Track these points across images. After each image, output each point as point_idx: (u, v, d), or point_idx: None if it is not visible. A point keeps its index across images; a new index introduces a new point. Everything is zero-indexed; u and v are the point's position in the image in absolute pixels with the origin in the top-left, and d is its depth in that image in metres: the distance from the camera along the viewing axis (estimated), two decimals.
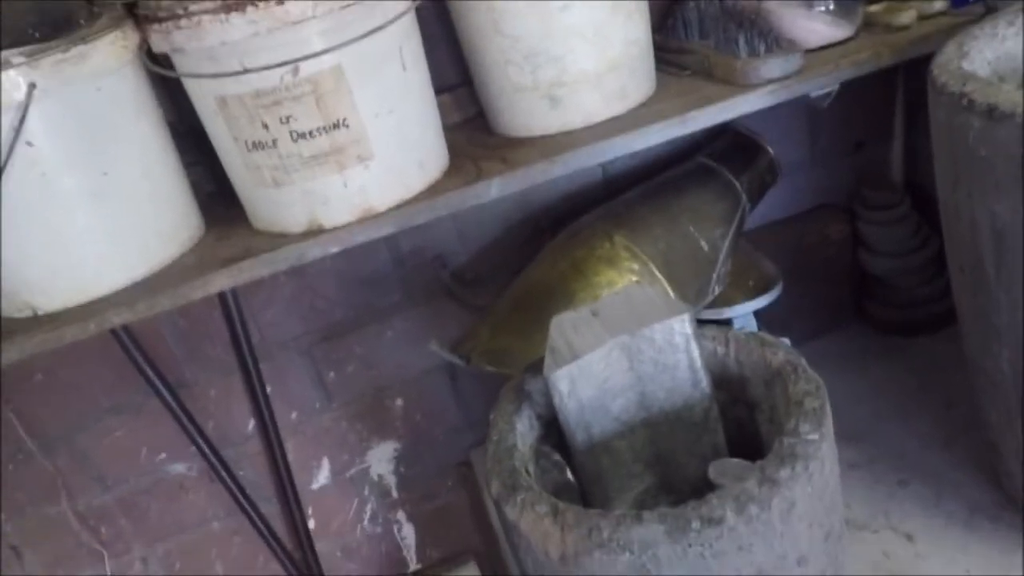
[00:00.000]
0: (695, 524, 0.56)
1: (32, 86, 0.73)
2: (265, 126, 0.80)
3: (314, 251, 0.85)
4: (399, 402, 1.27)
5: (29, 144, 0.76)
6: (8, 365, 0.78)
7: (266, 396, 1.17)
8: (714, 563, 0.57)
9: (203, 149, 0.92)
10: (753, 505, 0.56)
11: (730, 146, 1.14)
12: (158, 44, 0.79)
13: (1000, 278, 0.74)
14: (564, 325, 0.78)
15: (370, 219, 0.85)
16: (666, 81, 1.00)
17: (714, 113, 0.90)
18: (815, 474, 0.59)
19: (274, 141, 0.80)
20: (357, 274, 1.18)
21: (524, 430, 0.78)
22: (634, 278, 1.00)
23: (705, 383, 0.75)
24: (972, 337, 0.85)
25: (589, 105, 0.92)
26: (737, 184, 1.10)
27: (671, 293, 1.00)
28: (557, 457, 0.76)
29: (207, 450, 1.16)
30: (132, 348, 1.07)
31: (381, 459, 1.29)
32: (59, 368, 1.08)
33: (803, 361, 0.72)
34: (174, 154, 0.89)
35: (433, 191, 0.89)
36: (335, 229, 0.85)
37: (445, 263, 1.20)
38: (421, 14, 0.92)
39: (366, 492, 1.30)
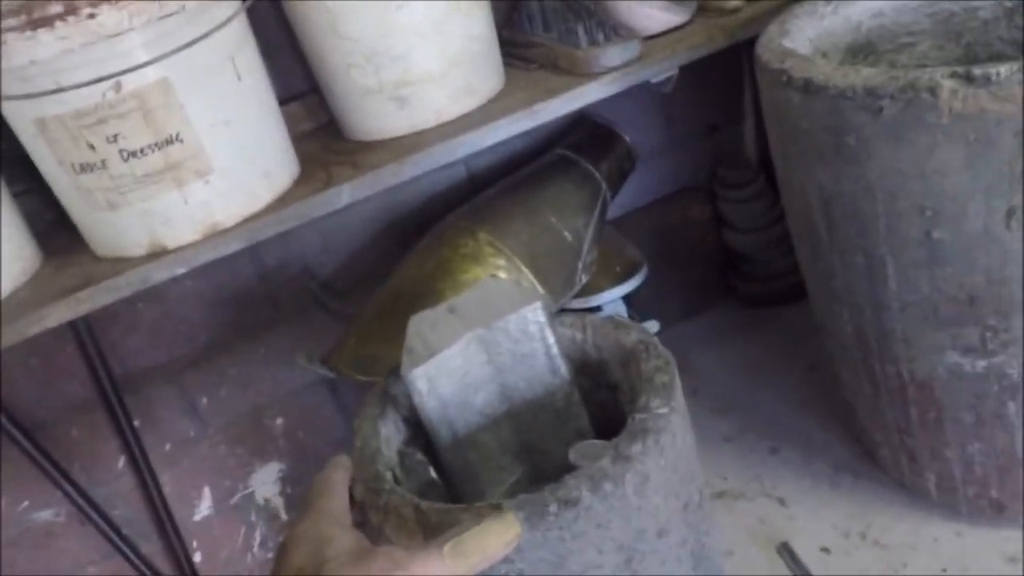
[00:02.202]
0: (552, 507, 0.56)
1: None
2: (91, 147, 0.76)
3: (159, 273, 0.81)
4: (279, 421, 1.23)
5: None
6: None
7: (133, 430, 1.12)
8: (574, 544, 0.57)
9: (36, 176, 0.87)
10: (607, 482, 0.57)
11: (587, 136, 1.16)
12: None
13: (833, 243, 0.77)
14: (421, 324, 0.77)
15: (216, 235, 0.82)
16: (515, 75, 1.00)
17: (560, 104, 0.91)
18: (667, 447, 0.61)
19: (103, 162, 0.77)
20: (221, 294, 1.14)
21: (389, 433, 0.77)
22: (501, 273, 1.00)
23: (564, 370, 0.76)
24: (817, 302, 0.89)
25: (437, 103, 0.92)
26: (596, 173, 1.12)
27: (537, 286, 1.01)
28: (420, 456, 0.75)
29: (73, 493, 1.10)
30: None
31: (266, 481, 1.26)
32: None
33: (655, 340, 0.73)
34: None
35: (282, 202, 0.86)
36: (180, 249, 0.82)
37: (313, 275, 1.18)
38: (259, 21, 0.89)
39: (253, 517, 1.26)
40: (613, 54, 0.91)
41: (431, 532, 0.60)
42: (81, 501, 1.11)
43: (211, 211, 0.82)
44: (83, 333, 1.05)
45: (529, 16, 1.02)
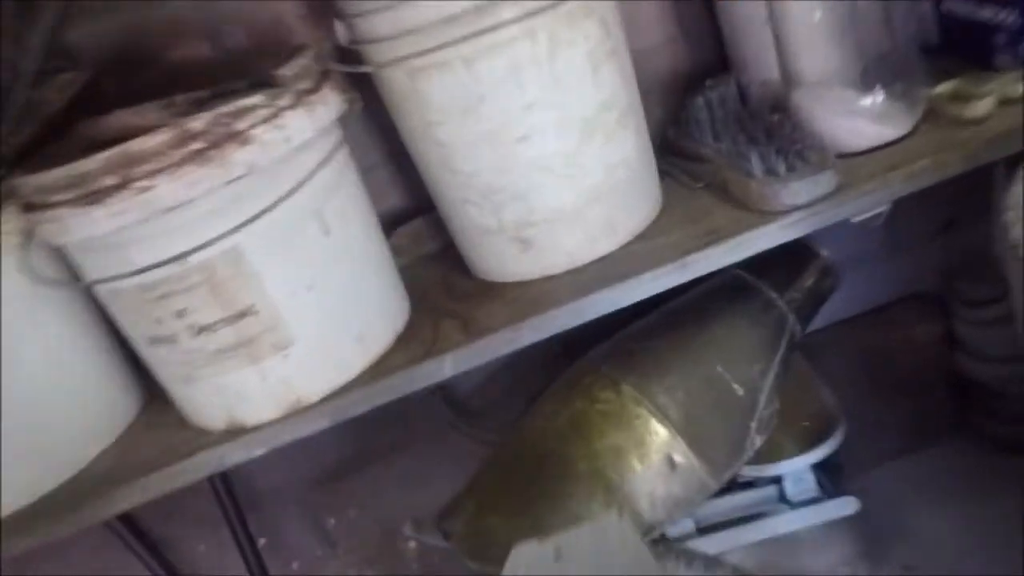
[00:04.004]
0: None
1: None
2: (159, 321, 0.67)
3: (236, 454, 0.72)
4: (412, 544, 1.13)
5: None
6: None
7: (254, 548, 1.06)
8: None
9: None
10: None
11: (771, 253, 0.93)
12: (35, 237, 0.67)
13: None
14: (521, 562, 0.61)
15: (299, 412, 0.71)
16: (676, 197, 0.81)
17: (721, 255, 0.71)
18: None
19: (172, 336, 0.68)
20: None
21: None
22: (648, 439, 0.82)
23: None
24: None
25: (569, 246, 0.75)
26: (781, 302, 0.90)
27: (694, 458, 0.81)
28: None
29: None
30: None
31: None
32: None
33: None
34: (94, 338, 0.77)
35: (377, 370, 0.73)
36: (259, 427, 0.71)
37: (447, 395, 1.06)
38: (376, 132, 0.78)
39: None
40: (799, 190, 0.70)
41: None
42: None
43: (292, 386, 0.71)
44: None
45: (696, 119, 0.82)
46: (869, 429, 1.06)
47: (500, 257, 0.77)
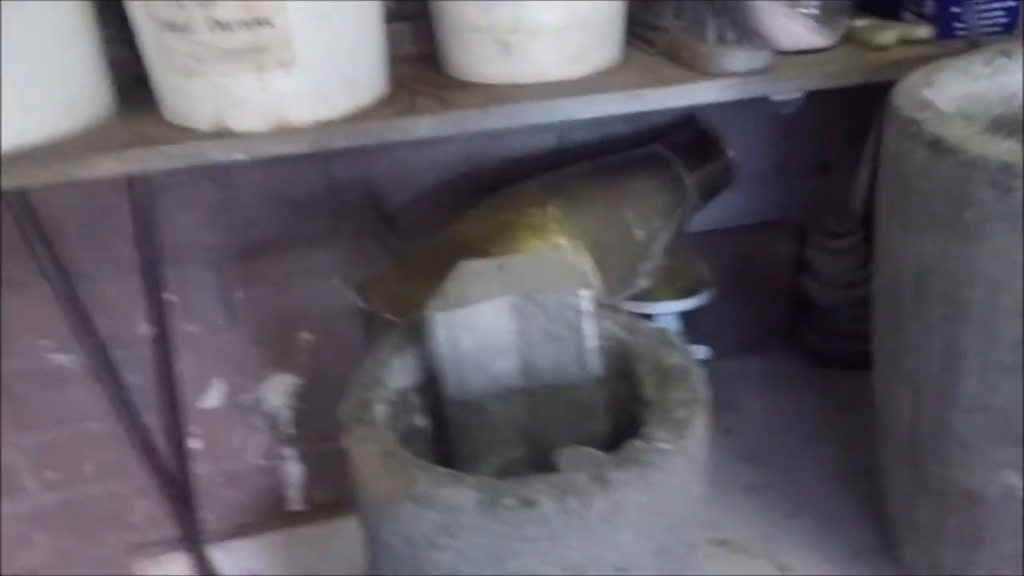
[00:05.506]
0: (507, 501, 0.52)
1: None
2: (181, 6, 0.74)
3: (216, 153, 0.79)
4: (306, 335, 1.21)
5: None
6: None
7: (161, 302, 1.11)
8: (521, 545, 0.53)
9: (129, 28, 0.85)
10: (572, 498, 0.53)
11: (690, 140, 1.10)
12: None
13: (914, 318, 0.70)
14: (466, 272, 0.73)
15: (285, 131, 0.80)
16: (633, 56, 0.94)
17: (668, 96, 0.85)
18: (656, 485, 0.55)
19: (188, 24, 0.74)
20: (285, 194, 1.12)
21: (401, 367, 0.74)
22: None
23: (594, 368, 0.71)
24: (880, 375, 0.81)
25: (543, 60, 0.87)
26: (687, 180, 1.06)
27: (594, 280, 0.96)
28: (416, 400, 0.72)
29: (94, 346, 1.10)
30: (25, 221, 1.00)
31: (278, 391, 1.24)
32: None
33: (697, 371, 0.67)
34: (88, 23, 0.82)
35: (359, 117, 0.83)
36: (244, 135, 0.79)
37: (379, 203, 1.15)
38: None
39: (257, 422, 1.26)
40: (740, 59, 0.85)
41: (389, 477, 0.58)
42: (99, 356, 1.11)
43: (285, 106, 0.79)
44: (141, 195, 1.04)
45: None
46: (718, 324, 1.24)
47: (480, 57, 0.88)
